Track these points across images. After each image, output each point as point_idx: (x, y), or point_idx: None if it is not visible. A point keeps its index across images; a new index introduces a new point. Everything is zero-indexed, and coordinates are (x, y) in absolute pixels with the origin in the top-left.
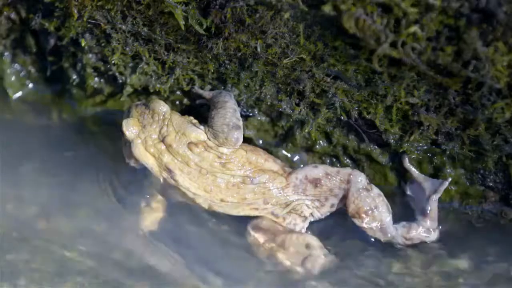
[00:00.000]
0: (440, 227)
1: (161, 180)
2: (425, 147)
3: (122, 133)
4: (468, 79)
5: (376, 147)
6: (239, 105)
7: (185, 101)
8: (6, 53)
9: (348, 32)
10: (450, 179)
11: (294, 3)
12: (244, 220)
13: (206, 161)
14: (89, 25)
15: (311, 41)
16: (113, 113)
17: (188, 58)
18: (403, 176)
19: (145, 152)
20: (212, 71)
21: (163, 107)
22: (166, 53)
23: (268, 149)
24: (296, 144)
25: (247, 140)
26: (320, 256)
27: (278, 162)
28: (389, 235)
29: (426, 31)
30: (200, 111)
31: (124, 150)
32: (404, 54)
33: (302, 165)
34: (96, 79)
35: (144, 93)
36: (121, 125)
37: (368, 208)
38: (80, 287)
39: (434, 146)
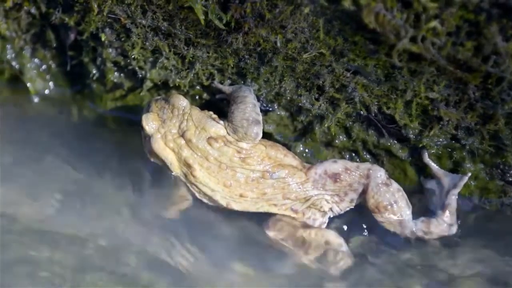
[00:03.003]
0: (459, 221)
1: (181, 176)
2: (445, 142)
3: (142, 128)
4: (488, 74)
5: (396, 142)
6: (258, 100)
7: (205, 95)
8: (26, 48)
9: (368, 27)
10: (469, 174)
11: None
12: (263, 218)
13: (226, 156)
14: (109, 20)
15: (330, 36)
16: (133, 108)
17: (208, 52)
18: (423, 171)
19: (164, 146)
20: (232, 65)
21: (182, 102)
22: (186, 48)
23: (287, 144)
24: (316, 139)
25: (266, 135)
26: (339, 254)
27: (297, 158)
28: (409, 230)
29: (446, 26)
30: (219, 105)
31: (144, 145)
32: (424, 49)
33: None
34: (116, 73)
35: (164, 88)
36: (141, 119)
37: (387, 203)
38: (99, 281)
39: (453, 141)
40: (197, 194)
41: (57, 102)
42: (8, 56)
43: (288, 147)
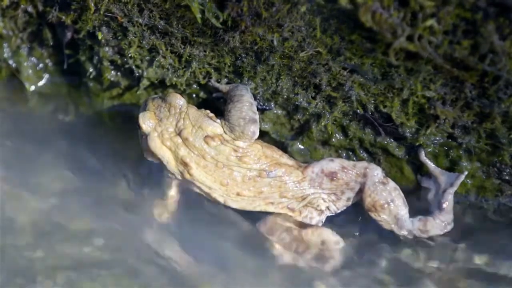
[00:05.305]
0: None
1: (177, 175)
2: (441, 141)
3: (138, 126)
4: (484, 72)
5: (393, 140)
6: (255, 98)
7: (202, 94)
8: (23, 46)
9: (365, 25)
10: (466, 173)
11: None
12: (258, 217)
13: (223, 154)
14: (106, 18)
15: (327, 35)
16: (129, 106)
17: (205, 51)
18: (420, 169)
19: (161, 145)
20: (229, 64)
21: (179, 100)
22: (182, 46)
23: (283, 143)
24: (312, 138)
25: (263, 134)
26: (335, 253)
27: (292, 159)
28: (405, 228)
29: (442, 24)
30: (216, 104)
31: (141, 144)
32: (421, 47)
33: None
34: (113, 72)
35: (160, 86)
36: (138, 118)
37: (384, 201)
38: (96, 279)
39: (450, 140)
40: (196, 189)
41: (53, 100)
42: (5, 55)
43: (285, 145)
